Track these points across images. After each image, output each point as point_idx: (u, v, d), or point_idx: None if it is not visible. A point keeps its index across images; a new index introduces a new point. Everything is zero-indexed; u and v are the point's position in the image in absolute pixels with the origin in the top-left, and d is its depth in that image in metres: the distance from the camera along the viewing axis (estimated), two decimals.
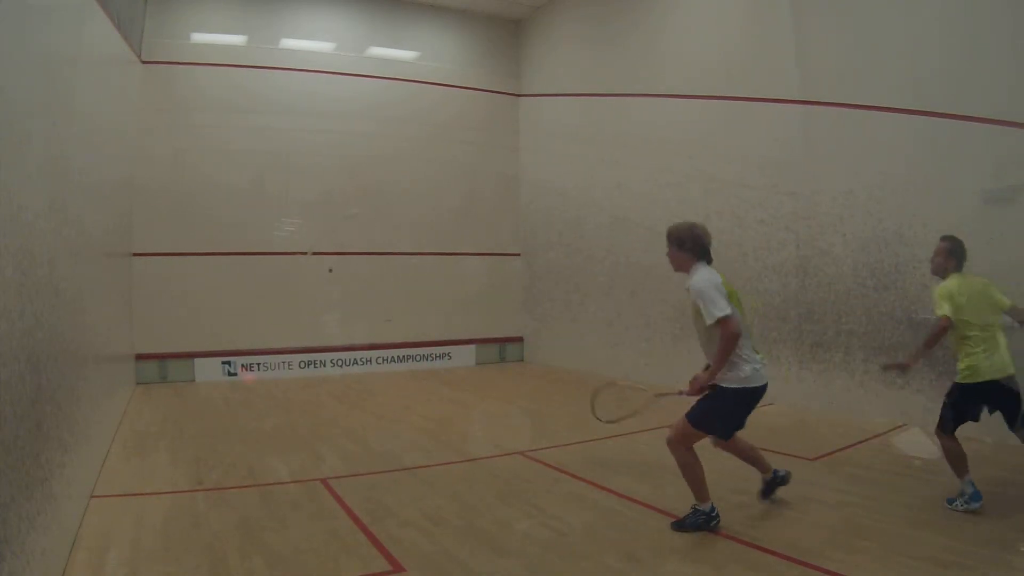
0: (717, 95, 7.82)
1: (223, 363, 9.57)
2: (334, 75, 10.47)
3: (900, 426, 5.66)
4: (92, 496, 4.05)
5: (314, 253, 10.22)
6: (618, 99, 9.55)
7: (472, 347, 11.17)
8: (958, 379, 3.82)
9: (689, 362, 8.06)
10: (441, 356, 10.89)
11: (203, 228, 9.59)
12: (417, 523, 3.59)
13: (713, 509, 3.43)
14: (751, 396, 3.44)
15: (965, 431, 5.21)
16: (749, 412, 3.51)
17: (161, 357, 9.25)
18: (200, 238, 9.57)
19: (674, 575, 2.91)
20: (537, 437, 5.56)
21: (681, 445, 3.46)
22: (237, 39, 9.96)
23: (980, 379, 3.72)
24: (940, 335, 3.82)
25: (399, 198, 10.81)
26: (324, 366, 10.14)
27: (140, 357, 9.04)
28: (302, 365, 10.00)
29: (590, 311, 10.06)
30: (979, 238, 5.28)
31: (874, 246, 6.08)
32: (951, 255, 4.00)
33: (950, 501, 3.71)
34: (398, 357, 10.59)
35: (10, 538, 2.13)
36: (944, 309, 3.78)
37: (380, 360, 10.36)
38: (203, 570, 3.00)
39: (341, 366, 10.21)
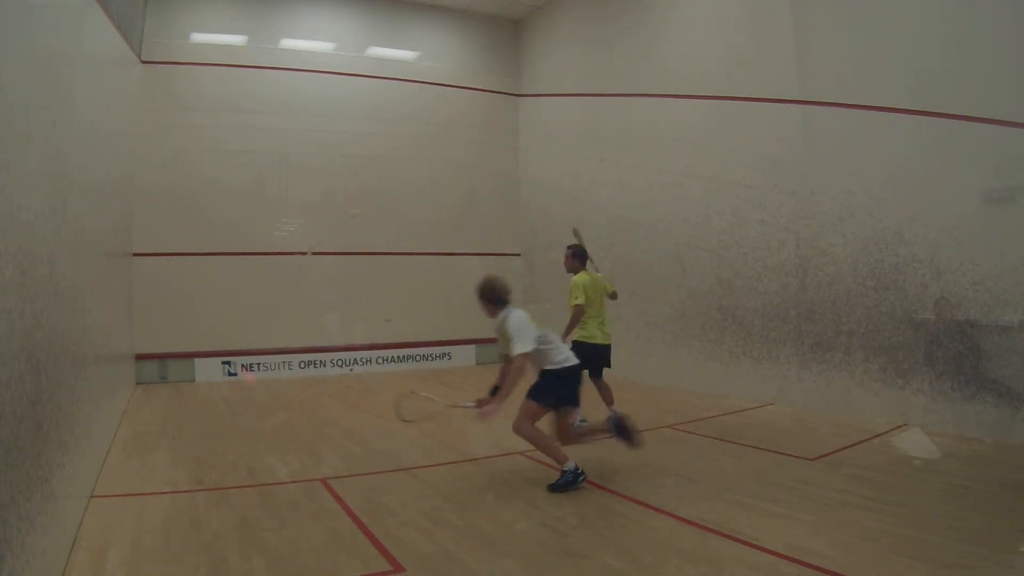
0: (717, 95, 7.83)
1: (223, 363, 9.57)
2: (334, 75, 10.48)
3: (900, 426, 5.66)
4: (92, 496, 4.06)
5: (314, 253, 10.22)
6: (618, 99, 9.55)
7: (472, 347, 11.17)
8: (577, 339, 5.62)
9: (689, 361, 8.09)
10: (441, 356, 10.90)
11: (203, 228, 9.60)
12: (417, 523, 3.59)
13: (577, 467, 4.09)
14: (570, 373, 4.30)
15: (966, 431, 5.23)
16: (575, 386, 4.33)
17: (161, 357, 9.26)
18: (200, 238, 9.57)
19: (674, 575, 2.91)
20: None
21: (526, 423, 4.15)
22: (237, 39, 9.96)
23: (595, 341, 5.65)
24: (579, 318, 5.61)
25: (399, 198, 10.82)
26: (324, 366, 10.14)
27: (140, 357, 9.04)
28: (302, 365, 10.00)
29: None
30: (979, 238, 5.31)
31: (874, 246, 6.08)
32: (576, 258, 5.80)
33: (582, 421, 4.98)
34: (398, 357, 10.60)
35: (10, 538, 2.13)
36: (579, 299, 5.57)
37: (380, 360, 10.37)
38: (203, 570, 3.00)
39: (341, 366, 10.22)
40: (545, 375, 4.26)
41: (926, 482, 4.16)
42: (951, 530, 3.28)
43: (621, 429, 4.32)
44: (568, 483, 4.06)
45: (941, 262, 5.56)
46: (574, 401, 4.34)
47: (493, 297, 4.31)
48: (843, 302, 6.36)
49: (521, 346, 4.10)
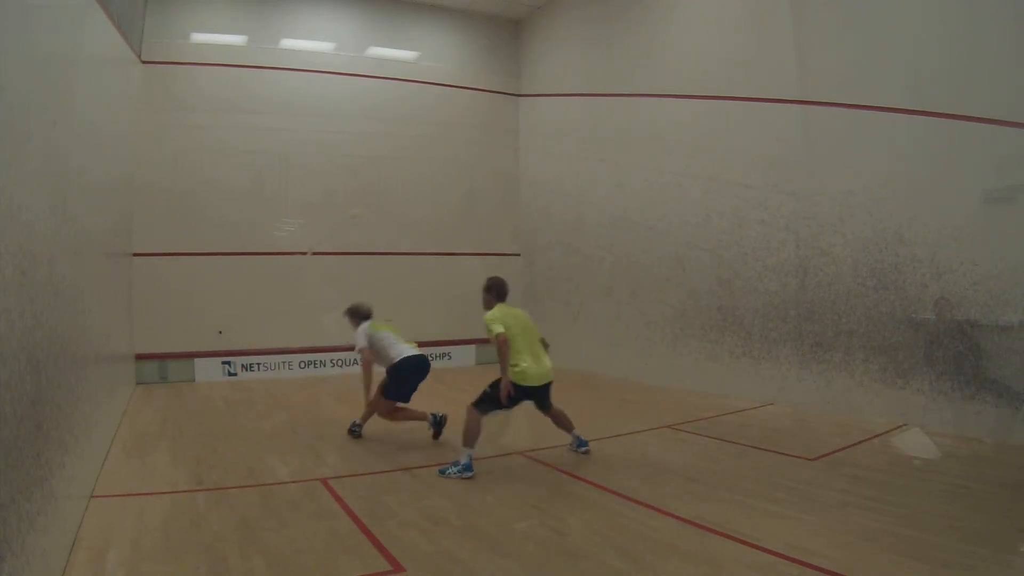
0: (717, 95, 7.83)
1: (223, 363, 9.57)
2: (334, 75, 10.48)
3: (900, 426, 5.66)
4: (92, 496, 4.06)
5: (314, 253, 10.22)
6: (618, 99, 9.55)
7: (472, 347, 11.17)
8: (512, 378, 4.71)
9: (689, 361, 8.09)
10: (441, 356, 10.89)
11: (203, 228, 9.60)
12: (417, 523, 3.59)
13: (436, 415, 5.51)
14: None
15: (966, 431, 5.23)
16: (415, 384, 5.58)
17: (161, 357, 9.25)
18: (200, 238, 9.57)
19: (674, 575, 2.91)
20: (537, 437, 5.55)
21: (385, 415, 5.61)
22: (237, 39, 9.96)
23: (527, 383, 4.70)
24: (504, 348, 4.68)
25: (399, 198, 10.82)
26: (324, 366, 10.14)
27: (140, 357, 9.04)
28: (302, 365, 10.00)
29: (590, 311, 10.06)
30: (979, 238, 5.31)
31: (874, 246, 6.08)
32: (489, 292, 5.14)
33: (442, 471, 4.54)
34: None
35: (10, 538, 2.13)
36: (497, 328, 4.72)
37: None
38: (203, 570, 3.00)
39: (341, 366, 10.21)
40: (388, 372, 5.60)
41: (926, 482, 4.16)
42: (951, 530, 3.28)
43: (438, 425, 5.57)
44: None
45: (941, 262, 5.56)
46: (404, 397, 5.55)
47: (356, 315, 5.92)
48: (843, 302, 6.36)
49: (358, 344, 5.63)
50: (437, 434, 5.56)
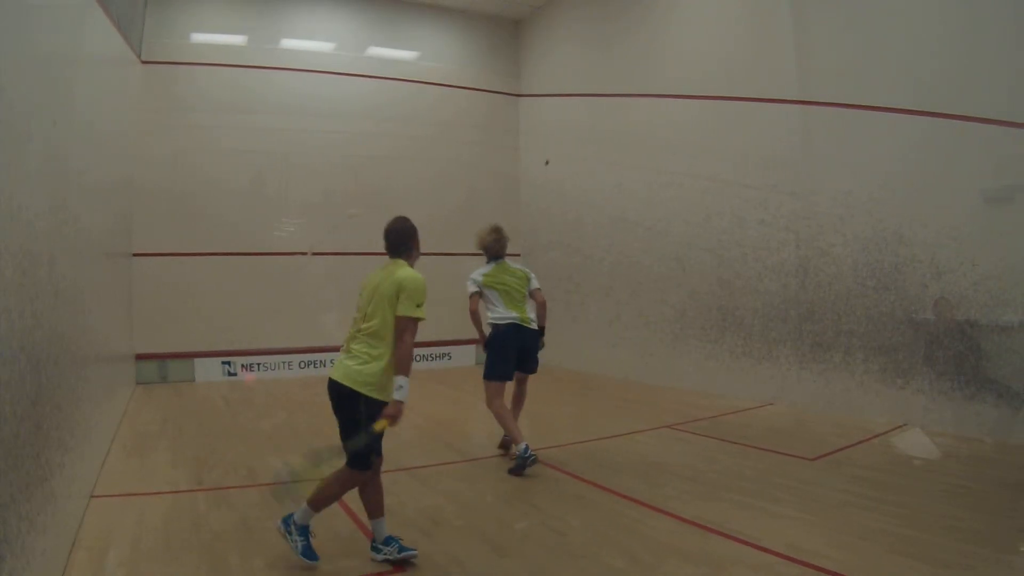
0: (717, 95, 7.83)
1: (223, 363, 9.56)
2: (334, 75, 10.47)
3: (900, 426, 5.66)
4: (92, 496, 4.05)
5: (314, 253, 10.22)
6: (618, 99, 9.55)
7: (472, 347, 11.15)
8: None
9: (689, 361, 8.09)
10: (441, 356, 10.89)
11: (203, 228, 9.59)
12: (417, 523, 3.60)
13: (527, 449, 4.44)
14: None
15: (966, 431, 5.23)
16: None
17: (161, 357, 9.24)
18: (200, 238, 9.56)
19: (674, 575, 2.91)
20: (537, 437, 5.55)
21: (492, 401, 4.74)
22: (237, 39, 9.95)
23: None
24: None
25: (399, 198, 10.77)
26: (324, 366, 10.13)
27: (140, 357, 9.03)
28: (302, 365, 9.99)
29: (590, 311, 10.06)
30: (979, 238, 5.31)
31: (874, 246, 6.08)
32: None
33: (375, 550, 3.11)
34: None
35: (10, 538, 2.13)
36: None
37: None
38: (203, 570, 3.00)
39: None
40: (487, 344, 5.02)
41: (926, 482, 4.16)
42: (951, 530, 3.28)
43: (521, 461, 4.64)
44: (523, 464, 4.45)
45: (941, 262, 5.56)
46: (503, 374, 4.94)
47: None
48: (843, 302, 6.36)
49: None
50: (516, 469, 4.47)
